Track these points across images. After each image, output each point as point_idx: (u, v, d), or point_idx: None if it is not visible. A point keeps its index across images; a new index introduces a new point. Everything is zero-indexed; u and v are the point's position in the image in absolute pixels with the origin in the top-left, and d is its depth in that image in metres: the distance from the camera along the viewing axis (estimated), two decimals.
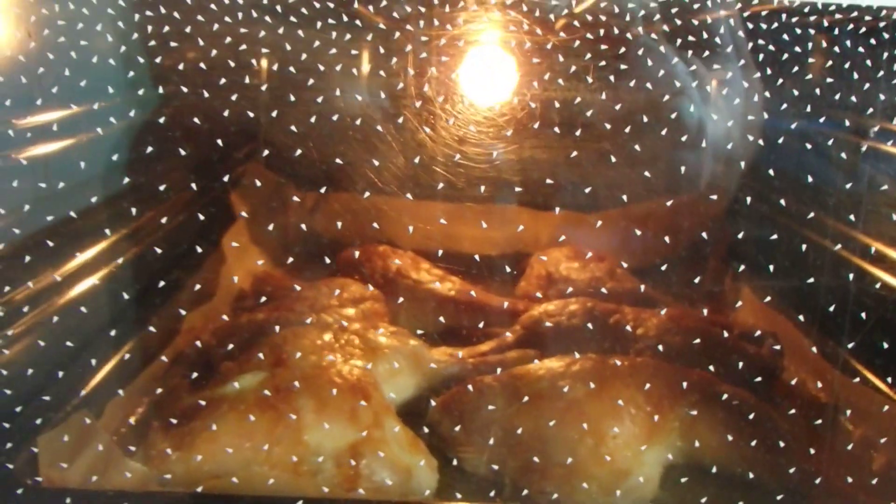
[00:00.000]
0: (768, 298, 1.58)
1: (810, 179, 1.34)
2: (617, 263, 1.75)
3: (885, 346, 1.26)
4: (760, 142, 1.37)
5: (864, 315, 1.26)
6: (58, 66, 1.21)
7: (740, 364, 1.37)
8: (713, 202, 1.56)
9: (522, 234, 1.84)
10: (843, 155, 1.30)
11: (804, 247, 1.37)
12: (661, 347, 1.41)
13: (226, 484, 1.08)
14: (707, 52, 1.33)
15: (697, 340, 1.40)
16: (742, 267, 1.52)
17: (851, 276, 1.31)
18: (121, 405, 1.26)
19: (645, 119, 1.38)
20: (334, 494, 1.08)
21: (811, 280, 1.31)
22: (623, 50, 1.33)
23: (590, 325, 1.47)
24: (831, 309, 1.26)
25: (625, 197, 1.44)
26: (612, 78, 1.36)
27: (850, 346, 1.29)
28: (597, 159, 1.47)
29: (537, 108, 1.38)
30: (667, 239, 1.66)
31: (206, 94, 1.35)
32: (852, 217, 1.33)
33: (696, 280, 1.52)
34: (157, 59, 1.38)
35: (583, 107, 1.37)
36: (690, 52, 1.34)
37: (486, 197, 1.50)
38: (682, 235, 1.65)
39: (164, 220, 1.55)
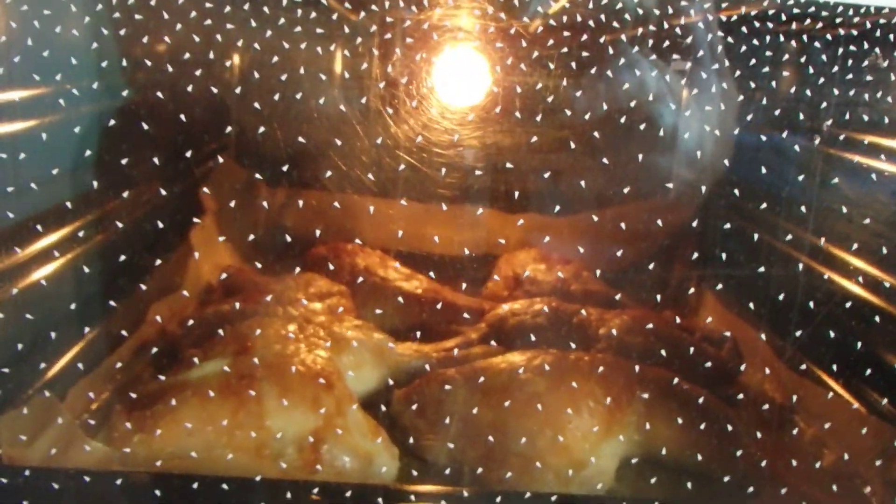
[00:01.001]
0: (731, 303, 1.61)
1: (774, 185, 1.37)
2: (583, 267, 1.77)
3: (842, 350, 1.29)
4: (731, 148, 1.39)
5: (820, 318, 1.29)
6: (26, 47, 1.21)
7: (700, 365, 1.40)
8: (681, 208, 1.58)
9: (490, 237, 1.86)
10: (801, 156, 1.33)
11: (769, 253, 1.39)
12: (622, 347, 1.43)
13: (186, 463, 1.08)
14: (679, 56, 1.35)
15: (658, 341, 1.42)
16: (705, 271, 1.55)
17: (814, 281, 1.34)
18: (84, 390, 1.26)
19: (615, 122, 1.40)
20: (295, 475, 1.08)
21: (774, 286, 1.33)
22: (595, 53, 1.35)
23: (553, 324, 1.49)
24: (791, 315, 1.29)
25: (593, 201, 1.46)
26: (583, 81, 1.39)
27: (807, 349, 1.32)
28: (564, 160, 1.49)
29: (504, 97, 1.39)
30: (633, 244, 1.69)
31: (177, 86, 1.35)
32: (807, 222, 1.35)
33: (661, 284, 1.54)
34: (128, 50, 1.39)
35: (552, 106, 1.39)
36: (662, 56, 1.37)
37: (454, 192, 1.51)
38: (648, 241, 1.67)
39: (132, 210, 1.55)
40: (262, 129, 1.39)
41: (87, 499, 0.95)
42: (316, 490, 0.98)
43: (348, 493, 0.97)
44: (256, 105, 1.39)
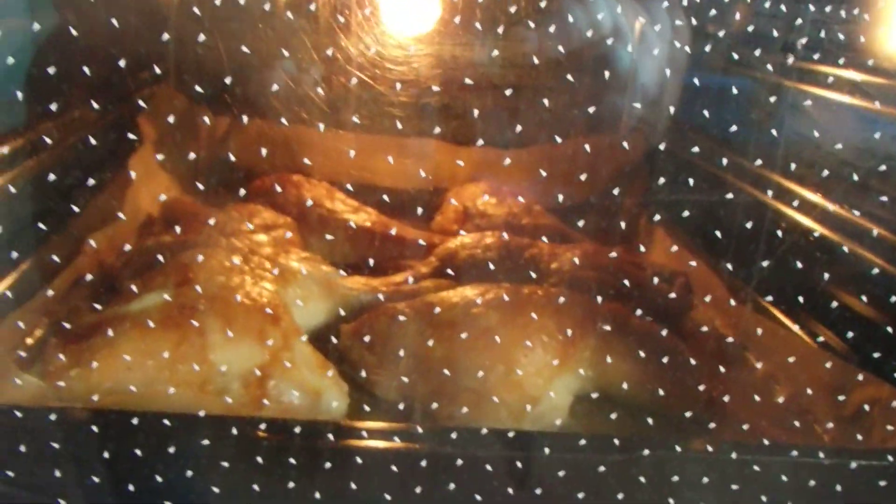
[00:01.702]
0: (684, 239, 1.60)
1: (727, 121, 1.35)
2: (534, 201, 1.75)
3: (792, 285, 1.29)
4: (683, 84, 1.36)
5: (774, 253, 1.28)
6: None
7: (651, 301, 1.38)
8: (633, 144, 1.55)
9: (440, 169, 1.81)
10: (759, 96, 1.31)
11: (722, 188, 1.38)
12: (574, 282, 1.41)
13: (125, 399, 1.04)
14: None
15: (611, 275, 1.41)
16: (656, 208, 1.53)
17: (764, 215, 1.32)
18: (17, 324, 1.20)
19: (568, 56, 1.36)
20: (240, 412, 1.05)
21: (728, 221, 1.32)
22: None
23: (505, 259, 1.47)
24: (745, 251, 1.28)
25: (545, 133, 1.43)
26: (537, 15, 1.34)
27: (760, 286, 1.31)
28: (517, 92, 1.45)
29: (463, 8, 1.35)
30: (584, 179, 1.66)
31: (111, 9, 1.28)
32: (765, 159, 1.34)
33: (612, 220, 1.52)
34: None
35: (513, 19, 1.34)
36: None
37: (407, 112, 1.46)
38: (600, 175, 1.65)
39: (66, 134, 1.47)
40: (202, 48, 1.33)
41: (21, 436, 0.90)
42: (263, 426, 0.94)
43: (296, 430, 0.93)
44: (197, 13, 1.32)
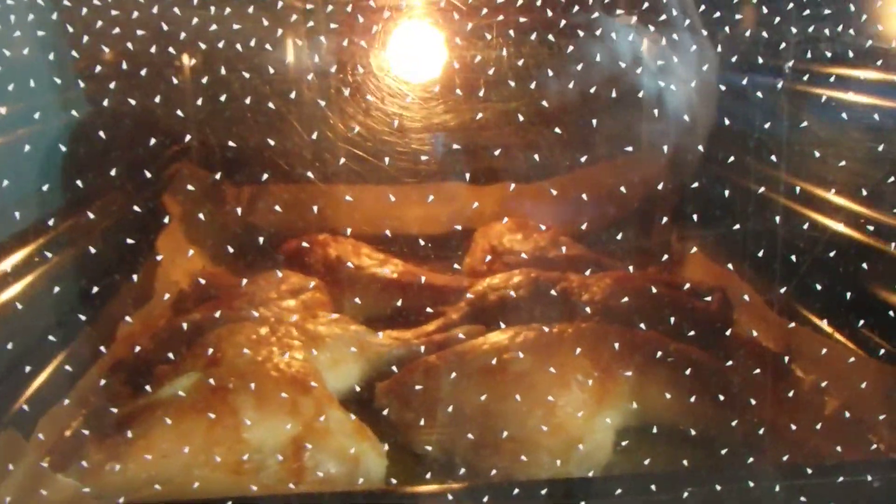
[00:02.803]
0: (715, 255, 1.57)
1: (750, 127, 1.32)
2: (560, 231, 1.72)
3: (833, 292, 1.25)
4: (698, 97, 1.34)
5: (802, 258, 1.24)
6: None
7: (689, 320, 1.35)
8: (652, 163, 1.53)
9: (465, 210, 1.80)
10: (780, 99, 1.28)
11: (749, 201, 1.34)
12: (608, 311, 1.38)
13: (164, 490, 1.03)
14: (643, 7, 1.30)
15: (645, 300, 1.38)
16: (687, 224, 1.50)
17: (800, 225, 1.29)
18: (55, 419, 1.21)
19: (580, 83, 1.35)
20: (278, 489, 1.04)
21: (757, 230, 1.29)
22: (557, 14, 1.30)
23: (535, 295, 1.45)
24: (776, 257, 1.24)
25: (564, 164, 1.41)
26: (551, 38, 1.33)
27: (796, 293, 1.27)
28: (536, 125, 1.44)
29: (468, 70, 1.34)
30: (609, 203, 1.64)
31: (132, 94, 1.30)
32: (784, 165, 1.30)
33: (644, 242, 1.50)
34: (80, 64, 1.33)
35: (518, 68, 1.33)
36: (626, 10, 1.32)
37: (427, 172, 1.46)
38: (624, 199, 1.62)
39: (94, 225, 1.49)
40: (223, 120, 1.34)
41: None
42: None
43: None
44: (214, 103, 1.34)
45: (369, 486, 1.08)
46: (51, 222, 1.36)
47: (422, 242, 1.62)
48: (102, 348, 1.39)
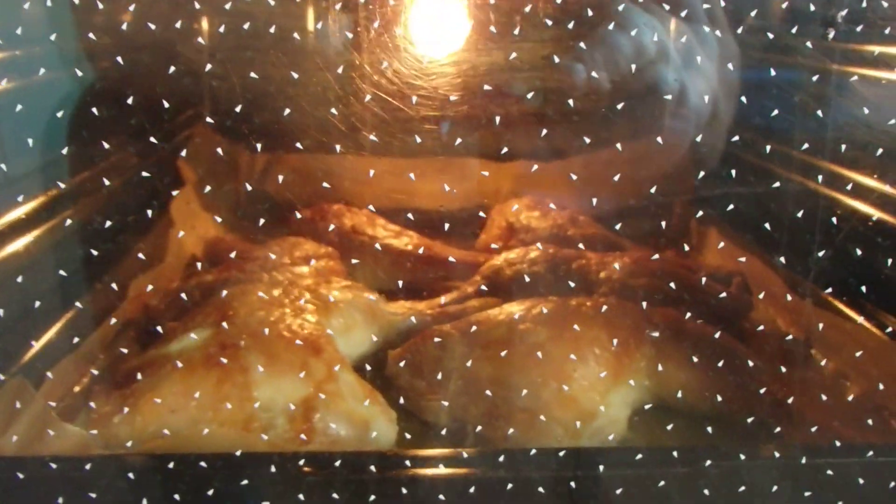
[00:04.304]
0: (736, 237, 1.54)
1: (769, 109, 1.30)
2: (579, 211, 1.70)
3: (854, 275, 1.23)
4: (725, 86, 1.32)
5: (834, 244, 1.22)
6: None
7: (709, 304, 1.33)
8: (676, 144, 1.51)
9: (482, 187, 1.78)
10: (801, 79, 1.26)
11: (768, 181, 1.32)
12: (625, 291, 1.36)
13: (170, 443, 1.02)
14: None
15: (663, 281, 1.36)
16: (708, 208, 1.48)
17: (818, 204, 1.26)
18: (65, 371, 1.20)
19: (607, 66, 1.33)
20: (286, 448, 1.02)
21: (782, 215, 1.26)
22: None
23: (552, 272, 1.42)
24: (798, 241, 1.22)
25: (585, 144, 1.39)
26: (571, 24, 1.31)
27: (816, 277, 1.25)
28: (556, 104, 1.42)
29: (490, 40, 1.32)
30: (630, 184, 1.61)
31: (147, 53, 1.28)
32: (813, 145, 1.28)
33: (662, 223, 1.47)
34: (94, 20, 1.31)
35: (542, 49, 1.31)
36: None
37: (443, 146, 1.44)
38: (645, 179, 1.60)
39: (108, 184, 1.48)
40: (238, 86, 1.32)
41: (57, 487, 0.89)
42: (302, 461, 0.91)
43: (338, 463, 0.90)
44: (231, 52, 1.32)
45: (377, 449, 1.06)
46: (63, 176, 1.34)
47: (436, 218, 1.60)
48: (114, 306, 1.39)
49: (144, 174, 1.45)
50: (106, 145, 1.39)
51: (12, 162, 1.22)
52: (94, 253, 1.36)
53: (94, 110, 1.31)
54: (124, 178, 1.51)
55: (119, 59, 1.31)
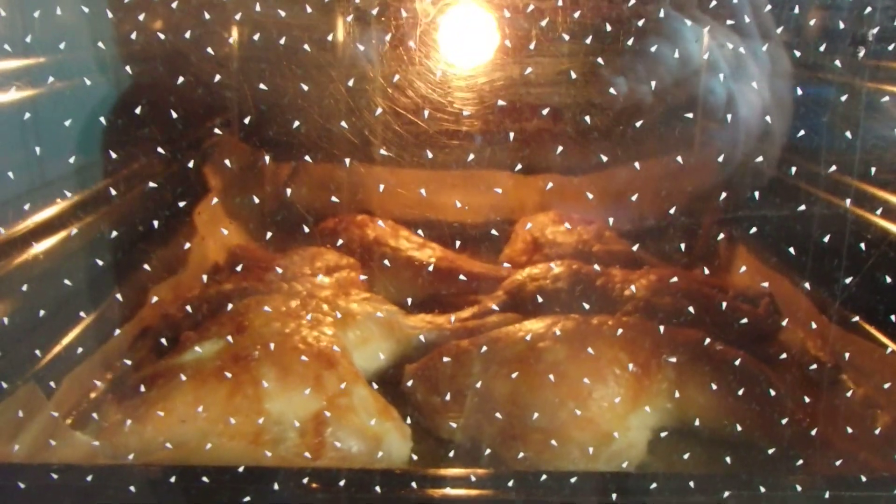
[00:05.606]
0: (766, 257, 1.50)
1: (802, 132, 1.26)
2: (605, 226, 1.67)
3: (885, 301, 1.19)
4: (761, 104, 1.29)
5: (866, 267, 1.18)
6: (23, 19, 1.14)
7: (735, 324, 1.29)
8: (706, 162, 1.48)
9: (507, 201, 1.76)
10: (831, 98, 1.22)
11: (804, 202, 1.29)
12: (649, 309, 1.33)
13: (178, 455, 1.00)
14: (701, 10, 1.25)
15: (689, 301, 1.32)
16: (737, 228, 1.44)
17: (857, 228, 1.23)
18: (80, 378, 1.19)
19: (639, 81, 1.31)
20: (295, 463, 1.00)
21: (813, 236, 1.23)
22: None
23: (575, 288, 1.40)
24: (834, 266, 1.18)
25: (614, 159, 1.37)
26: (603, 38, 1.29)
27: (847, 300, 1.21)
28: (586, 117, 1.39)
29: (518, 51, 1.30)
30: (658, 201, 1.58)
31: (176, 62, 1.28)
32: (842, 165, 1.24)
33: (690, 242, 1.44)
34: (126, 27, 1.31)
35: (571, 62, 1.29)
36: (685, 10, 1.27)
37: (475, 159, 1.42)
38: (674, 197, 1.57)
39: (132, 189, 1.47)
40: (265, 95, 1.32)
41: (59, 496, 0.88)
42: (306, 479, 0.89)
43: (342, 482, 0.88)
44: (258, 62, 1.31)
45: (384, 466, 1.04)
46: (83, 185, 1.34)
47: (461, 230, 1.58)
48: (131, 314, 1.38)
49: (169, 182, 1.45)
50: (132, 152, 1.39)
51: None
52: (116, 260, 1.37)
53: (124, 118, 1.31)
54: (149, 185, 1.51)
55: (148, 67, 1.31)
